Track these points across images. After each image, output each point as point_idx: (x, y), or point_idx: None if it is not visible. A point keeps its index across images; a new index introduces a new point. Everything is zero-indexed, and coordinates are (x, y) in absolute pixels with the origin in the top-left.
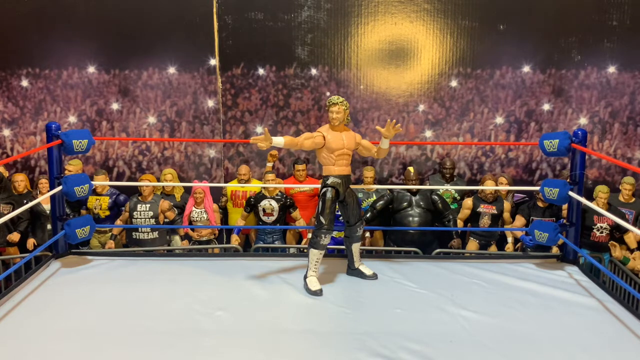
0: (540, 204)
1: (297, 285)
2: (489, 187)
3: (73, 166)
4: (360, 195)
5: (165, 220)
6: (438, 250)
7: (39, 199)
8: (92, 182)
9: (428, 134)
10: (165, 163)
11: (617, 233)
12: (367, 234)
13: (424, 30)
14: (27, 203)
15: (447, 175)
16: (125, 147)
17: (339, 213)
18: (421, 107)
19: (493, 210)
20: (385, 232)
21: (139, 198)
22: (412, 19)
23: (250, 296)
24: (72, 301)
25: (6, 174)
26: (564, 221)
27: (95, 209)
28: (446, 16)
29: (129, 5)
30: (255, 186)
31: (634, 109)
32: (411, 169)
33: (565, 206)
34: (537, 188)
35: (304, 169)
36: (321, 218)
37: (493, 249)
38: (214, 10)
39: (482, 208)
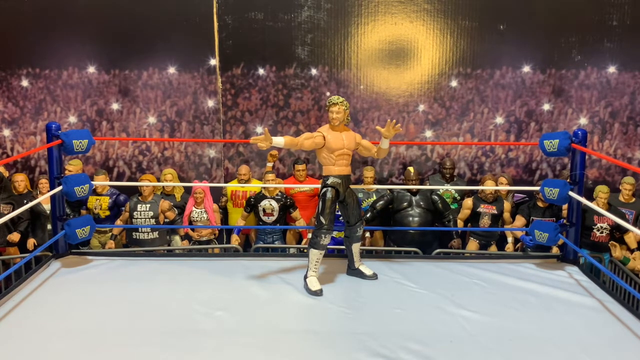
0: (540, 204)
1: (297, 285)
2: (489, 187)
3: (73, 166)
4: (360, 195)
5: (166, 220)
6: (438, 250)
7: (39, 199)
8: (92, 182)
9: (428, 134)
10: (165, 163)
11: (617, 233)
12: (367, 234)
13: (424, 30)
14: (27, 203)
15: (447, 175)
16: (126, 147)
17: (339, 213)
18: (421, 107)
19: (493, 210)
20: (385, 232)
21: (139, 198)
22: (412, 19)
23: (250, 296)
24: (72, 301)
25: (6, 174)
26: (564, 221)
27: (95, 209)
28: (446, 16)
29: (129, 5)
30: (255, 186)
31: (634, 109)
32: (411, 169)
33: (565, 206)
34: (537, 188)
35: (304, 169)
36: (321, 218)
37: (493, 249)
38: (214, 10)
39: (482, 208)
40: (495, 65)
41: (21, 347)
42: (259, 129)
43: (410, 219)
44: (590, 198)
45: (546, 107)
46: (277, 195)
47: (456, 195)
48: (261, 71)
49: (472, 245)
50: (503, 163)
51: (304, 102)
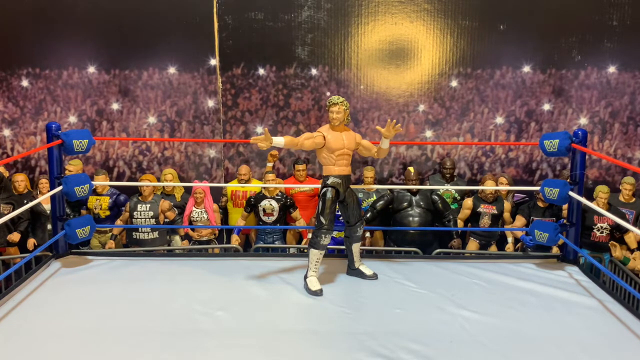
0: (540, 204)
1: (297, 285)
2: (489, 187)
3: (73, 166)
4: (360, 195)
5: (166, 220)
6: (438, 250)
7: (39, 199)
8: (92, 182)
9: (428, 134)
10: (166, 163)
11: (617, 233)
12: (367, 234)
13: (424, 30)
14: (27, 203)
15: (447, 175)
16: (126, 147)
17: (339, 213)
18: (421, 107)
19: (493, 210)
20: (385, 232)
21: (139, 198)
22: (412, 19)
23: (250, 296)
24: (72, 301)
25: (6, 174)
26: (564, 221)
27: (95, 209)
28: (446, 16)
29: (129, 5)
30: (255, 186)
31: (634, 109)
32: (411, 169)
33: (565, 206)
34: (537, 188)
35: (304, 169)
36: (321, 218)
37: (493, 249)
38: (214, 10)
39: (482, 208)
40: (495, 65)
41: (21, 347)
42: (259, 129)
43: (410, 219)
44: (590, 198)
45: (546, 107)
46: (277, 195)
47: (456, 195)
48: (261, 71)
49: (472, 245)
50: (503, 163)
51: (304, 102)
